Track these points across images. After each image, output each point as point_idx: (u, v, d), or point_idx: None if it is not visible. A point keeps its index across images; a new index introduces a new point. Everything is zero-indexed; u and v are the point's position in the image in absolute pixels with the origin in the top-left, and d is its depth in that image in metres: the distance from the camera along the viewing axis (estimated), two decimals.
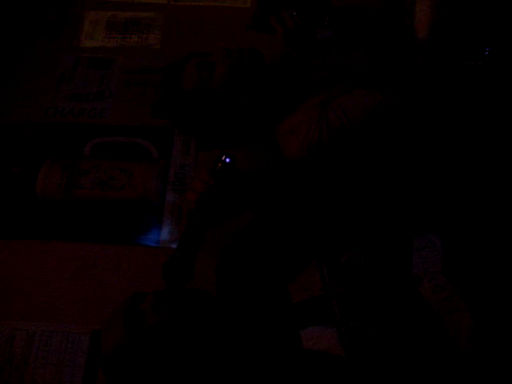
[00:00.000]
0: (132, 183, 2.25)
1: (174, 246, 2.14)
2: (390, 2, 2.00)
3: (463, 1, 1.77)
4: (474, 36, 1.75)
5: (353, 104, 1.75)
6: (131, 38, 2.73)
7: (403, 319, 1.44)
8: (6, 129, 2.45)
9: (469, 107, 1.72)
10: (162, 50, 2.64)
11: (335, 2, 2.14)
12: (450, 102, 1.73)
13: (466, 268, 1.48)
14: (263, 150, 1.94)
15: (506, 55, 1.74)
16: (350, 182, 1.72)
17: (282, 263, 1.60)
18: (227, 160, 1.52)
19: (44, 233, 2.17)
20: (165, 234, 2.17)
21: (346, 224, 1.61)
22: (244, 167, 1.61)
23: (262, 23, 1.99)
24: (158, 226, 2.18)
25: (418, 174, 1.70)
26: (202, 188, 1.52)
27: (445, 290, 1.45)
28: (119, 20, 2.78)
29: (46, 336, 1.95)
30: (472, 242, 1.52)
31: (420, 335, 1.42)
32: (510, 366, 1.38)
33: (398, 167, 1.73)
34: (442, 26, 1.77)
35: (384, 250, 1.54)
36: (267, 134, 1.88)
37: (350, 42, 1.99)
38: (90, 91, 2.54)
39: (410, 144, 1.73)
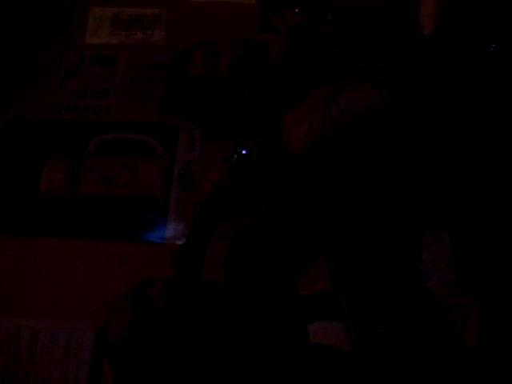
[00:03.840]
0: (137, 180, 2.25)
1: (179, 242, 2.14)
2: None
3: None
4: (479, 32, 1.74)
5: (357, 99, 1.75)
6: (136, 34, 2.72)
7: (411, 314, 1.43)
8: (11, 125, 2.45)
9: (474, 103, 1.72)
10: (166, 46, 2.63)
11: None
12: (454, 98, 1.73)
13: (475, 264, 1.48)
14: (270, 143, 1.94)
15: (510, 51, 1.73)
16: (354, 177, 1.72)
17: (291, 256, 1.60)
18: (243, 152, 1.51)
19: (49, 229, 2.18)
20: (170, 230, 2.17)
21: (354, 219, 1.61)
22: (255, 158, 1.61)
23: (266, 23, 1.99)
24: (163, 223, 2.18)
25: (424, 170, 1.70)
26: (217, 178, 1.51)
27: (453, 286, 1.45)
28: (124, 16, 2.78)
29: (51, 333, 1.95)
30: (481, 238, 1.52)
31: (428, 330, 1.42)
32: None
33: (402, 163, 1.73)
34: (447, 21, 1.77)
35: (394, 246, 1.53)
36: (271, 127, 1.88)
37: (354, 37, 1.98)
38: (95, 88, 2.55)
39: (414, 139, 1.72)
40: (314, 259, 1.56)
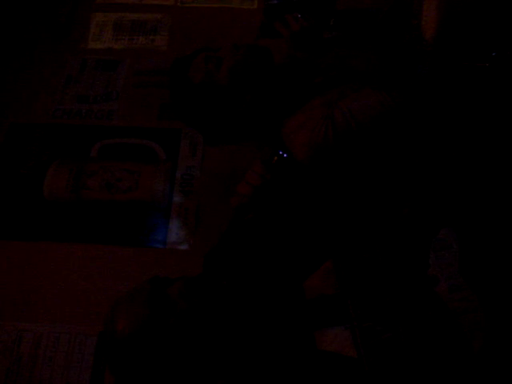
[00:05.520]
0: (139, 185, 2.25)
1: (181, 247, 2.15)
2: (398, 2, 2.00)
3: (470, 1, 1.76)
4: (481, 37, 1.74)
5: (359, 103, 1.75)
6: (138, 39, 2.73)
7: (419, 319, 1.42)
8: (13, 130, 2.45)
9: (477, 107, 1.71)
10: (169, 51, 2.64)
11: (342, 2, 2.14)
12: (457, 102, 1.73)
13: (483, 269, 1.47)
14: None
15: None
16: (359, 182, 1.71)
17: (297, 260, 1.59)
18: (285, 155, 1.48)
19: (51, 234, 2.18)
20: (172, 235, 2.17)
21: (361, 223, 1.60)
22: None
23: (269, 29, 2.00)
24: (164, 228, 2.18)
25: (429, 175, 1.70)
26: (257, 181, 1.47)
27: (461, 290, 1.44)
28: (126, 22, 2.79)
29: (53, 337, 1.95)
30: (489, 243, 1.51)
31: (435, 335, 1.41)
32: None
33: (407, 168, 1.73)
34: (449, 26, 1.77)
35: (401, 250, 1.53)
36: (273, 132, 1.88)
37: (357, 42, 1.99)
38: (97, 93, 2.55)
39: (418, 144, 1.73)
40: (321, 263, 1.56)
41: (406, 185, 1.71)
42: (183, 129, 2.38)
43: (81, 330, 1.96)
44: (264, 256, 1.62)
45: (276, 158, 1.48)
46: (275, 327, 1.48)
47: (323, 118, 1.73)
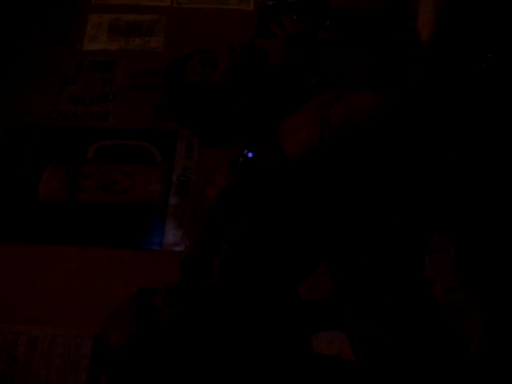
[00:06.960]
0: (135, 186, 2.25)
1: (177, 248, 2.15)
2: (394, 3, 2.00)
3: (466, 3, 1.76)
4: (477, 38, 1.74)
5: (355, 105, 1.75)
6: (134, 40, 2.73)
7: (415, 322, 1.43)
8: (9, 132, 2.45)
9: (473, 109, 1.72)
10: (164, 52, 2.64)
11: (338, 3, 2.13)
12: (452, 104, 1.73)
13: (479, 271, 1.47)
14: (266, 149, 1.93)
15: (509, 57, 1.73)
16: (353, 183, 1.71)
17: (291, 263, 1.59)
18: (249, 155, 1.49)
19: (47, 237, 2.17)
20: (168, 237, 2.17)
21: (356, 225, 1.60)
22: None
23: (264, 30, 2.00)
24: (161, 229, 2.18)
25: (425, 176, 1.70)
26: (224, 183, 1.48)
27: (458, 293, 1.44)
28: (122, 23, 2.78)
29: (49, 340, 1.95)
30: (484, 245, 1.51)
31: (432, 337, 1.41)
32: None
33: (402, 169, 1.73)
34: (445, 27, 1.77)
35: (397, 253, 1.52)
36: (269, 133, 1.88)
37: (353, 43, 1.99)
38: (93, 94, 2.55)
39: (413, 145, 1.73)
40: (316, 266, 1.55)
41: (401, 186, 1.71)
42: (179, 130, 2.38)
43: (77, 332, 1.96)
44: (247, 258, 1.62)
45: (241, 159, 1.48)
46: (271, 330, 1.48)
47: (319, 120, 1.73)
